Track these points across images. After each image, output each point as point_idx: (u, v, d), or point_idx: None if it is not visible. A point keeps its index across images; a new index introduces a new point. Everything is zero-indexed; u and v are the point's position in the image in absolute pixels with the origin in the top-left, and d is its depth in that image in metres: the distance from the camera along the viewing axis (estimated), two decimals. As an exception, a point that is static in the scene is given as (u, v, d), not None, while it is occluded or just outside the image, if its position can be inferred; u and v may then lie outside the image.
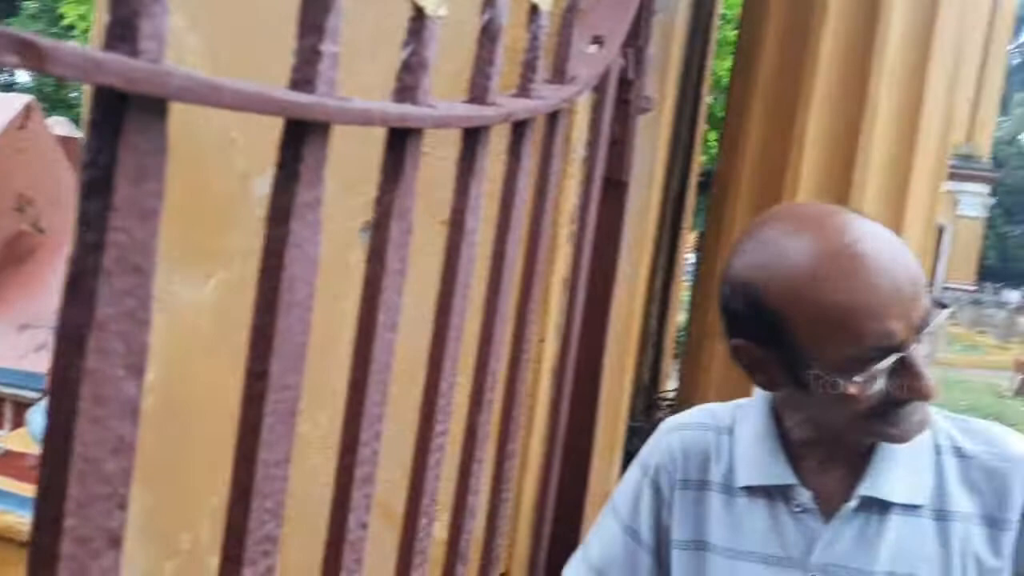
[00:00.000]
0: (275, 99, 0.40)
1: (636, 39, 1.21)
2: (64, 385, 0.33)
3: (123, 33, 0.31)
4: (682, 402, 1.68)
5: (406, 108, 0.54)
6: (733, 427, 1.08)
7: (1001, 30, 37.52)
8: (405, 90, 0.56)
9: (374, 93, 0.52)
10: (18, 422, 2.72)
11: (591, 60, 0.99)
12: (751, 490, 1.03)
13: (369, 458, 0.61)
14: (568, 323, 1.19)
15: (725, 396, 1.16)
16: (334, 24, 0.43)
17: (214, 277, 1.27)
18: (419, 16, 0.54)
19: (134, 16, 0.31)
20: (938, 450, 1.00)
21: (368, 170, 0.57)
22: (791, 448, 1.02)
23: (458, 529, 0.85)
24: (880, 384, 0.86)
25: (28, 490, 2.42)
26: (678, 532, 1.08)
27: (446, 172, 0.72)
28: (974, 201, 38.21)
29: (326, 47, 0.43)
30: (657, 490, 1.11)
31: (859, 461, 0.99)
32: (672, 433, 1.13)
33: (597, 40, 1.04)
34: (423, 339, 0.73)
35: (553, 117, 0.88)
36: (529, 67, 0.79)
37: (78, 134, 3.88)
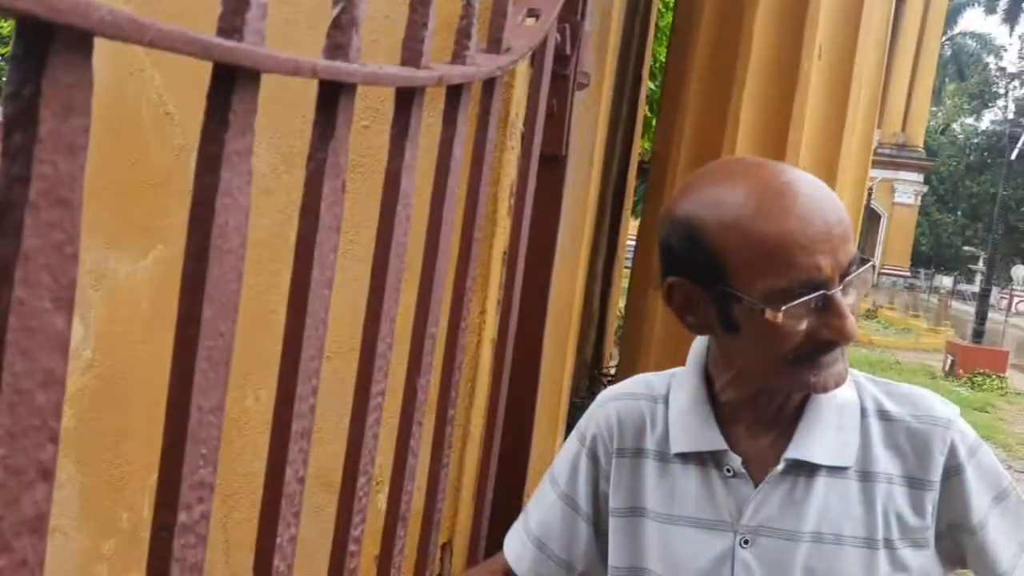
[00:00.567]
0: (200, 41, 0.40)
1: (572, 14, 1.22)
2: (-8, 316, 0.34)
3: (46, -37, 0.32)
4: (623, 378, 1.70)
5: (337, 63, 0.55)
6: (668, 395, 1.10)
7: (934, 23, 38.43)
8: (336, 47, 0.56)
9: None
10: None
11: (527, 32, 1.00)
12: (684, 456, 1.05)
13: (306, 413, 0.62)
14: (508, 296, 1.20)
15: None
16: (262, -27, 0.44)
17: (152, 253, 1.25)
18: (349, -28, 0.55)
19: (58, -54, 0.32)
20: (864, 413, 1.03)
21: (307, 144, 0.57)
22: (722, 414, 1.04)
23: (397, 491, 0.86)
24: (805, 324, 0.89)
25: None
26: (615, 500, 1.10)
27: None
28: (908, 189, 39.21)
29: (254, -4, 0.44)
30: (594, 459, 1.13)
31: (786, 425, 1.02)
32: (608, 404, 1.15)
33: (533, 13, 1.05)
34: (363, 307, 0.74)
35: (489, 86, 0.89)
36: (463, 34, 0.80)
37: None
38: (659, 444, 1.07)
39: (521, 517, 1.21)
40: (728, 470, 1.02)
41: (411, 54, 0.69)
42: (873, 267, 0.94)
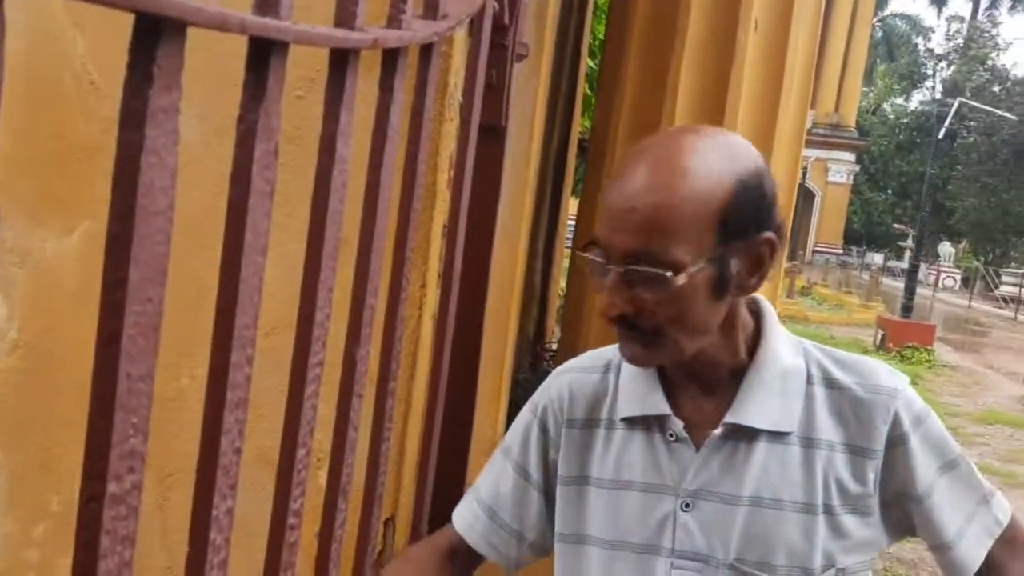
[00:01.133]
0: (120, -14, 0.39)
1: (510, -17, 1.21)
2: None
3: None
4: (564, 353, 1.71)
5: (267, 20, 0.53)
6: (620, 364, 1.11)
7: (866, 5, 39.19)
8: (266, 4, 0.55)
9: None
10: None
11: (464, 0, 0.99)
12: (630, 422, 1.06)
13: (241, 382, 0.61)
14: (448, 270, 1.20)
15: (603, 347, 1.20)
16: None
17: (79, 228, 1.21)
18: (278, -75, 0.53)
19: None
20: (809, 379, 1.04)
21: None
22: (669, 381, 1.06)
23: (338, 464, 0.85)
24: (597, 281, 0.96)
25: None
26: (563, 469, 1.11)
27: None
28: (841, 169, 40.09)
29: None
30: (544, 430, 1.14)
31: (729, 391, 1.03)
32: (562, 376, 1.16)
33: (470, -20, 1.04)
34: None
35: (426, 52, 0.88)
36: (399, -2, 0.79)
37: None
38: (609, 412, 1.09)
39: (472, 489, 1.21)
40: (671, 435, 1.03)
41: (345, 15, 0.68)
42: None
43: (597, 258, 0.94)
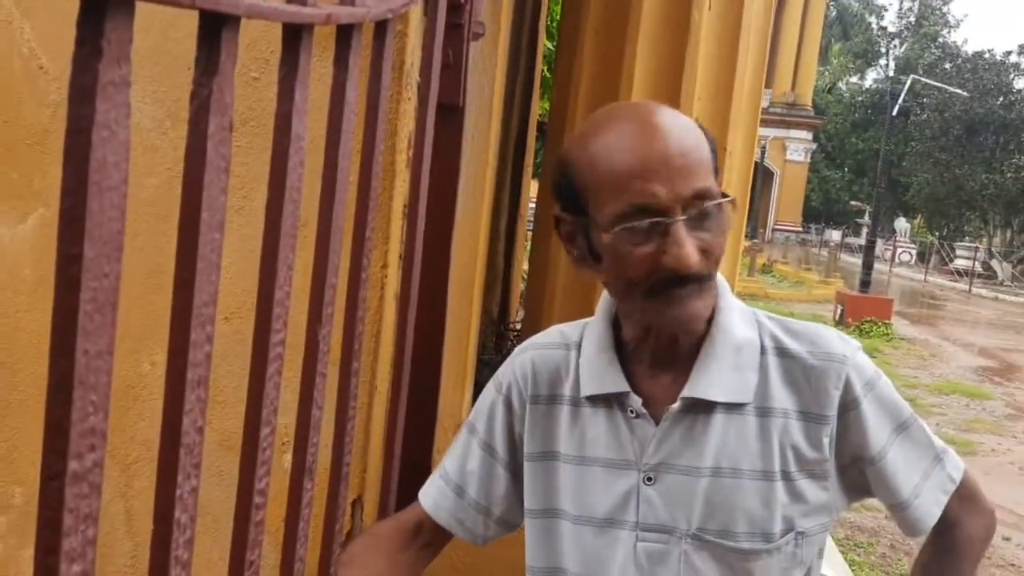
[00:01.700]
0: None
1: (464, -39, 1.21)
2: None
3: None
4: (527, 333, 1.72)
5: (218, -7, 0.53)
6: (581, 343, 1.12)
7: (820, -17, 39.50)
8: (217, -22, 0.54)
9: None
10: None
11: (418, -23, 0.98)
12: (593, 399, 1.08)
13: (202, 360, 0.60)
14: (409, 248, 1.20)
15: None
16: None
17: (32, 215, 1.20)
18: None
19: None
20: (763, 350, 1.06)
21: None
22: (627, 357, 1.07)
23: (303, 443, 0.85)
24: (646, 250, 0.93)
25: None
26: (529, 445, 1.12)
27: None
28: (799, 147, 40.53)
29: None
30: (509, 407, 1.15)
31: (685, 365, 1.05)
32: (525, 353, 1.17)
33: (424, -42, 1.03)
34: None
35: (381, 30, 0.88)
36: (352, -26, 0.78)
37: None
38: (572, 390, 1.10)
39: (438, 467, 1.22)
40: (631, 411, 1.05)
41: (298, -9, 0.67)
42: (733, 203, 0.98)
43: (647, 220, 0.92)
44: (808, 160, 41.39)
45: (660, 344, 1.05)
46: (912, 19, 44.01)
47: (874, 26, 50.69)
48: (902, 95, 22.81)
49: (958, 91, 31.12)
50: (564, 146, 1.04)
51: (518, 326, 2.61)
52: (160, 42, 1.17)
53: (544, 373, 1.13)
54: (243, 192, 1.19)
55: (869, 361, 1.09)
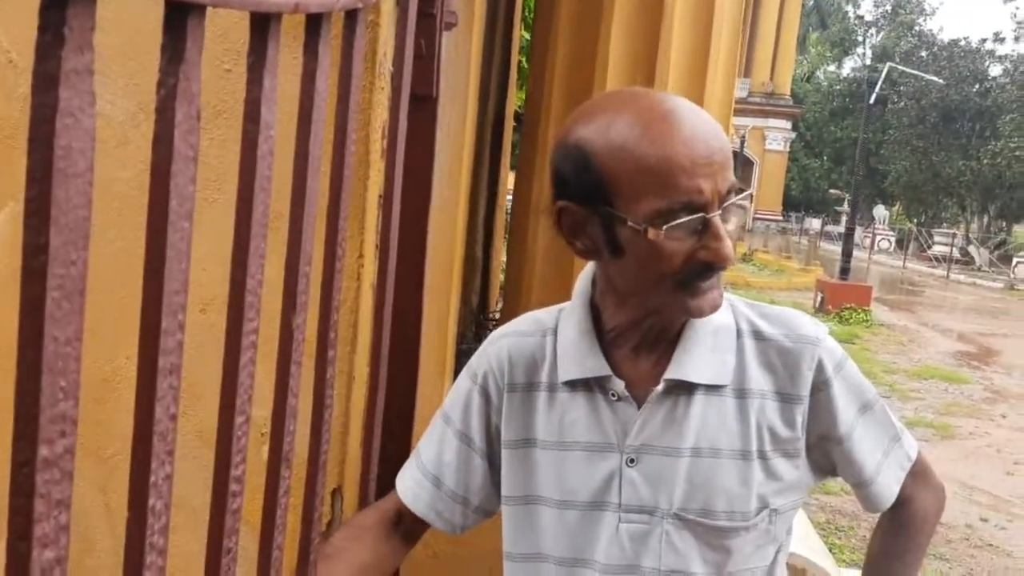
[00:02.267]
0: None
1: (436, -50, 1.21)
2: None
3: None
4: (507, 321, 1.73)
5: (182, -19, 0.53)
6: (556, 328, 1.13)
7: (797, -27, 39.64)
8: (181, -34, 0.55)
9: None
10: None
11: (388, -34, 0.99)
12: (572, 384, 1.08)
13: (173, 348, 0.61)
14: (385, 238, 1.20)
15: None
16: None
17: (4, 210, 1.19)
18: None
19: None
20: (739, 333, 1.08)
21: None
22: (607, 342, 1.08)
23: (279, 431, 0.85)
24: (685, 246, 0.93)
25: None
26: (507, 433, 1.13)
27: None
28: (778, 136, 40.71)
29: None
30: (486, 396, 1.15)
31: (666, 349, 1.06)
32: (499, 341, 1.17)
33: (394, -53, 1.03)
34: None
35: (351, 18, 0.88)
36: (320, -37, 0.78)
37: None
38: (549, 376, 1.10)
39: (413, 457, 1.22)
40: (613, 394, 1.06)
41: (265, -20, 0.67)
42: (751, 196, 1.00)
43: (692, 216, 0.92)
44: (787, 149, 41.59)
45: (652, 330, 1.06)
46: (888, 7, 44.25)
47: (851, 15, 50.96)
48: (879, 83, 22.96)
49: (934, 79, 31.36)
50: (570, 133, 0.99)
51: (498, 316, 2.62)
52: (131, 36, 1.16)
53: (520, 360, 1.13)
54: (217, 184, 1.19)
55: (837, 344, 1.11)
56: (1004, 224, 35.89)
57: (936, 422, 8.41)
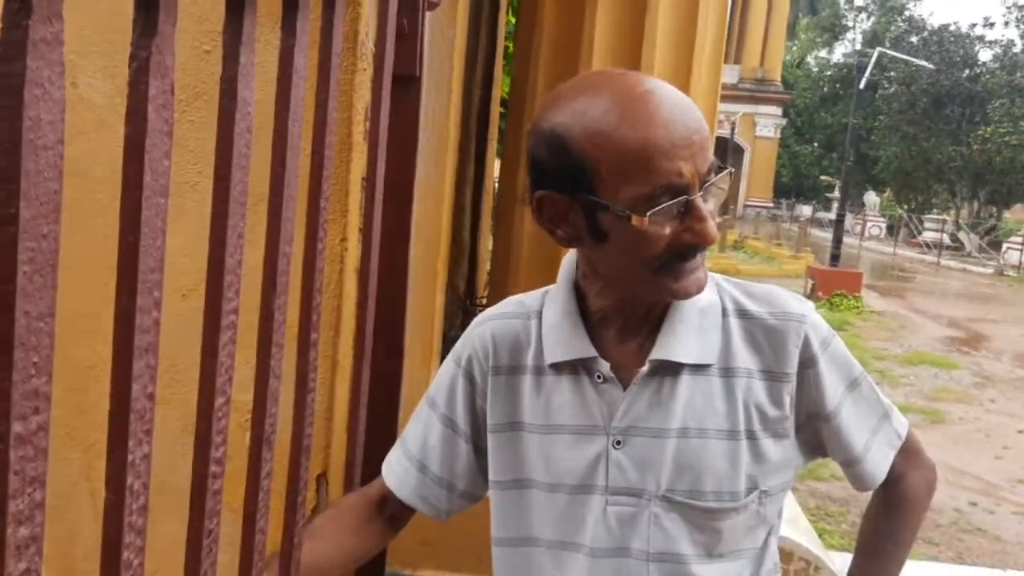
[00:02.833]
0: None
1: (418, -72, 1.20)
2: None
3: None
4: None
5: (152, -47, 0.53)
6: (541, 311, 1.12)
7: (786, -41, 39.57)
8: (152, -63, 0.54)
9: None
10: None
11: (368, -55, 0.98)
12: (558, 367, 1.08)
13: (150, 327, 0.60)
14: (368, 221, 1.19)
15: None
16: None
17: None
18: None
19: None
20: (724, 312, 1.08)
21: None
22: (592, 324, 1.08)
23: (261, 413, 0.85)
24: (668, 229, 0.92)
25: None
26: (492, 417, 1.12)
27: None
28: (769, 123, 40.74)
29: None
30: (470, 380, 1.15)
31: (651, 330, 1.06)
32: (483, 324, 1.16)
33: (374, -75, 1.03)
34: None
35: (330, -3, 0.87)
36: (297, -61, 0.78)
37: None
38: (535, 359, 1.10)
39: (398, 443, 1.22)
40: (599, 376, 1.05)
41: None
42: (730, 173, 0.98)
43: (675, 200, 0.91)
44: (778, 136, 41.64)
45: (637, 312, 1.05)
46: (878, -7, 44.26)
47: (841, 0, 50.93)
48: (869, 68, 22.96)
49: (924, 64, 31.38)
50: (545, 119, 0.97)
51: (485, 302, 2.61)
52: (108, 17, 1.15)
53: (504, 344, 1.13)
54: (198, 168, 1.18)
55: (823, 320, 1.11)
56: (994, 210, 36.00)
57: (926, 407, 8.46)
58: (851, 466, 1.13)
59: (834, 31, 49.96)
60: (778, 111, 41.05)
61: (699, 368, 1.05)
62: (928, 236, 31.24)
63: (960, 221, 34.28)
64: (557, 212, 0.98)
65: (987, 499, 6.18)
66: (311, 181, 0.92)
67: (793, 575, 1.98)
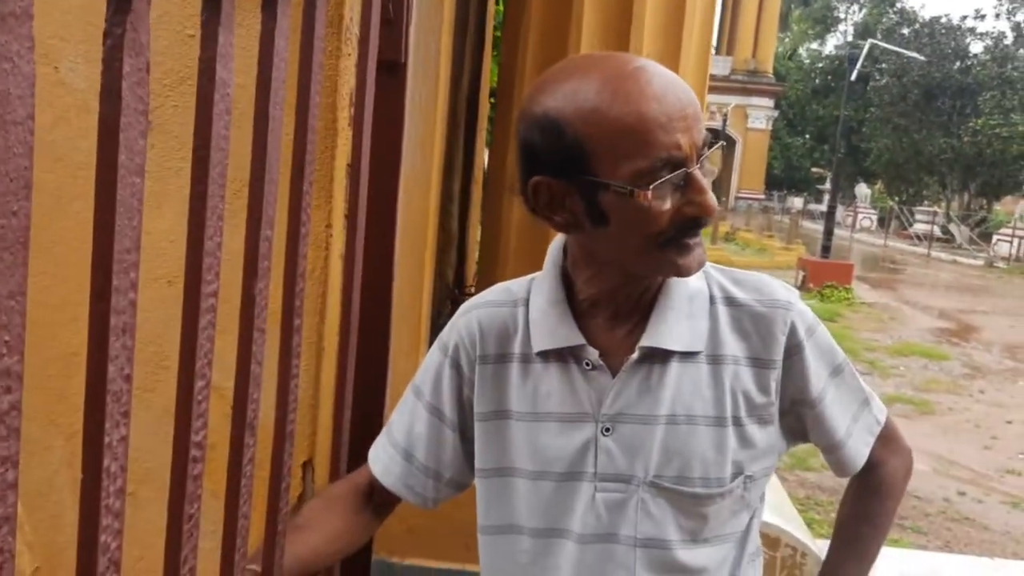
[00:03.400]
0: None
1: (403, -87, 1.19)
2: None
3: None
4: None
5: (125, -72, 0.52)
6: (528, 299, 1.12)
7: (778, -50, 39.54)
8: (125, -87, 0.53)
9: None
10: None
11: (352, -73, 0.97)
12: (545, 355, 1.08)
13: (126, 307, 0.60)
14: (353, 207, 1.19)
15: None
16: None
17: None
18: None
19: None
20: (712, 300, 1.08)
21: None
22: (580, 311, 1.07)
23: (242, 398, 0.84)
24: (669, 202, 0.92)
25: None
26: (479, 405, 1.12)
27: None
28: (760, 115, 40.77)
29: None
30: (457, 368, 1.14)
31: (640, 317, 1.06)
32: (469, 312, 1.16)
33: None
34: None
35: (311, -22, 0.87)
36: (276, -80, 0.77)
37: None
38: (522, 347, 1.09)
39: (384, 432, 1.21)
40: (587, 363, 1.05)
41: (217, -67, 0.66)
42: (723, 143, 0.99)
43: (675, 172, 0.91)
44: (770, 127, 41.67)
45: (628, 299, 1.05)
46: (870, -16, 44.30)
47: (833, -8, 50.95)
48: (860, 60, 22.99)
49: (916, 55, 31.43)
50: (536, 104, 0.96)
51: (472, 291, 2.61)
52: (90, 1, 1.14)
53: (491, 332, 1.12)
54: (181, 153, 1.17)
55: (808, 308, 1.11)
56: (984, 202, 36.12)
57: (916, 398, 8.50)
58: (832, 451, 1.14)
59: (826, 23, 50.00)
60: (770, 103, 41.08)
61: (688, 355, 1.05)
62: (919, 228, 31.34)
63: (951, 213, 34.37)
64: (553, 198, 0.97)
65: (976, 489, 6.21)
66: (294, 165, 0.92)
67: (780, 561, 1.98)
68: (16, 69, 0.45)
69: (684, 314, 1.05)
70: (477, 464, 1.14)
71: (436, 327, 2.18)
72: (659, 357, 1.04)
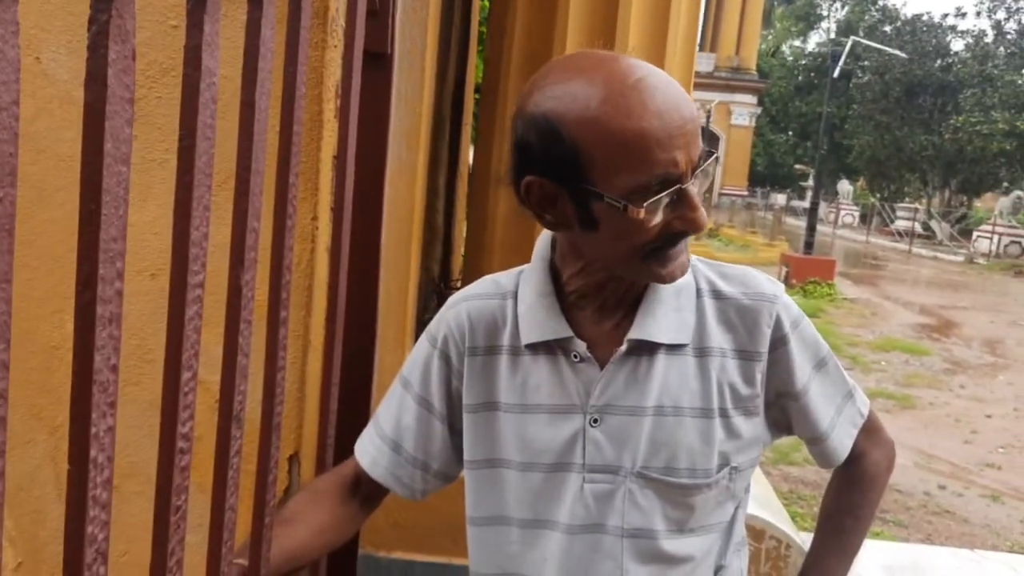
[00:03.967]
0: None
1: (388, -96, 1.19)
2: None
3: None
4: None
5: (111, -87, 0.51)
6: (516, 291, 1.12)
7: (762, -53, 39.68)
8: (111, -102, 0.53)
9: None
10: None
11: (338, -82, 0.96)
12: (534, 347, 1.08)
13: (112, 296, 0.59)
14: (339, 199, 1.18)
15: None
16: None
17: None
18: None
19: None
20: (699, 293, 1.08)
21: None
22: (568, 304, 1.08)
23: (229, 390, 0.84)
24: (660, 216, 0.92)
25: None
26: (468, 397, 1.12)
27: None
28: (744, 111, 40.92)
29: None
30: (446, 360, 1.14)
31: (628, 310, 1.06)
32: (458, 304, 1.16)
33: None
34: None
35: (297, -31, 0.86)
36: (263, -92, 0.76)
37: None
38: (511, 339, 1.10)
39: (371, 424, 1.21)
40: (575, 356, 1.05)
41: (204, -79, 0.65)
42: (717, 159, 0.98)
43: (670, 190, 0.90)
44: (753, 124, 41.84)
45: (616, 293, 1.05)
46: (852, -18, 44.53)
47: (816, -11, 51.18)
48: (843, 57, 23.10)
49: (898, 53, 31.62)
50: (535, 102, 0.95)
51: (458, 285, 2.61)
52: (74, -10, 1.13)
53: (480, 324, 1.12)
54: (166, 145, 1.16)
55: (793, 301, 1.12)
56: (965, 199, 36.42)
57: (897, 393, 8.56)
58: (816, 443, 1.15)
59: (809, 20, 50.24)
60: (753, 100, 41.24)
61: (675, 348, 1.05)
62: (900, 224, 31.55)
63: (932, 210, 34.63)
64: (544, 198, 0.97)
65: (956, 482, 6.27)
66: (280, 156, 0.91)
67: (765, 552, 2.00)
68: (1, 55, 0.44)
69: (671, 307, 1.06)
70: (466, 456, 1.14)
71: (422, 321, 2.18)
72: (647, 349, 1.05)
